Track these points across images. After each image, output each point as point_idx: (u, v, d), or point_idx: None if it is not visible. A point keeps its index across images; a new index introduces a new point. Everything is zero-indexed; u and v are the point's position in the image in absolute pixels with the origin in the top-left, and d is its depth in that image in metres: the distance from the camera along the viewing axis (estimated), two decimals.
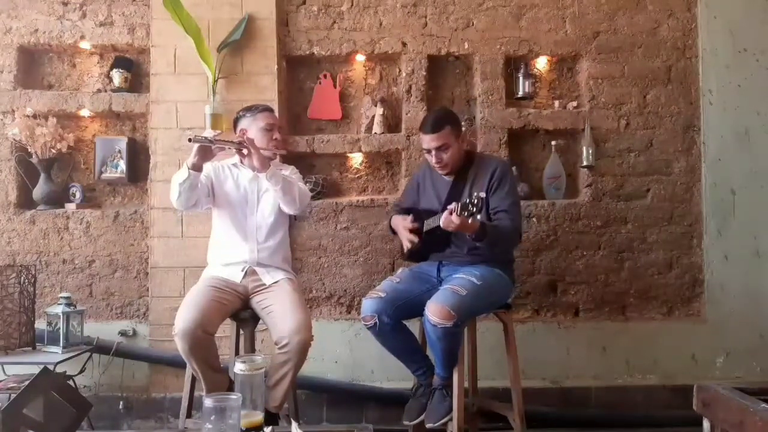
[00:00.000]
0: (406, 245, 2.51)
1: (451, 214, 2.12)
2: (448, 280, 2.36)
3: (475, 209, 2.07)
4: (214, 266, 2.51)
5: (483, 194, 2.08)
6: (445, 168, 2.48)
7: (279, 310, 2.30)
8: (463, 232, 2.21)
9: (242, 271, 2.44)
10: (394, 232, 2.66)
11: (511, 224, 2.36)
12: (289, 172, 2.58)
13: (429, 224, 2.43)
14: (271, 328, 2.32)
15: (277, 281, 2.44)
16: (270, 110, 2.56)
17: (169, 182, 2.39)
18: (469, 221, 2.11)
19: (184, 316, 2.19)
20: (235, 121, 2.55)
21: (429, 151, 2.46)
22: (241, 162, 2.50)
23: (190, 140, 2.26)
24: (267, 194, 2.50)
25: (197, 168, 2.32)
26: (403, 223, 2.52)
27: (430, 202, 2.54)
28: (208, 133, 2.39)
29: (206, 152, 2.29)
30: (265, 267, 2.46)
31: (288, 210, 2.47)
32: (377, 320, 2.32)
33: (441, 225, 2.19)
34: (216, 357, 2.30)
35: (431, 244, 2.49)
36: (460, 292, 2.22)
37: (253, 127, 2.49)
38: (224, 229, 2.52)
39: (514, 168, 3.01)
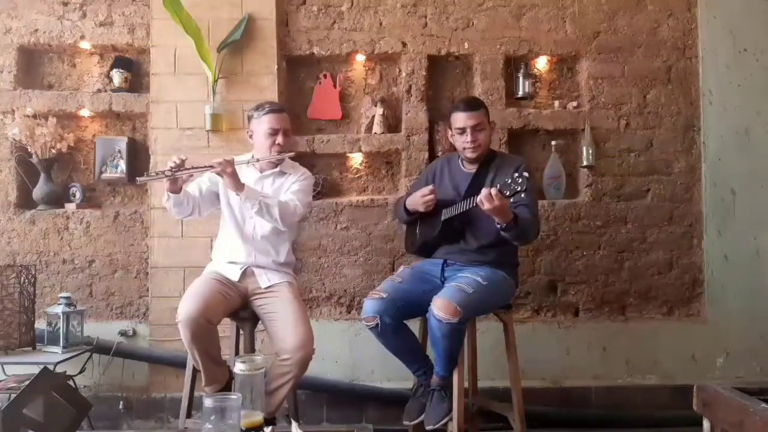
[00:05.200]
0: (426, 206, 2.43)
1: (490, 194, 2.07)
2: (452, 279, 2.36)
3: (520, 188, 2.04)
4: (216, 263, 2.51)
5: (527, 174, 2.06)
6: (477, 150, 2.43)
7: (281, 321, 2.29)
8: (497, 216, 2.16)
9: (240, 269, 2.43)
10: (407, 213, 2.56)
11: (532, 218, 2.34)
12: (296, 178, 2.50)
13: (451, 211, 2.39)
14: (272, 338, 2.31)
15: (275, 285, 2.41)
16: (277, 111, 2.46)
17: None
18: (510, 200, 2.11)
19: (188, 305, 2.20)
20: (248, 119, 2.54)
21: (463, 132, 2.42)
22: (254, 162, 2.47)
23: (137, 180, 2.37)
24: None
25: (175, 191, 2.34)
26: (420, 192, 2.45)
27: (447, 193, 2.49)
28: (174, 160, 2.29)
29: (173, 179, 2.29)
30: (263, 269, 2.45)
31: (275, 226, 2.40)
32: (379, 321, 2.31)
33: (477, 203, 2.13)
34: (218, 348, 2.31)
35: (443, 236, 2.46)
36: (467, 290, 2.22)
37: (258, 130, 2.47)
38: (226, 229, 2.52)
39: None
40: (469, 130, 2.42)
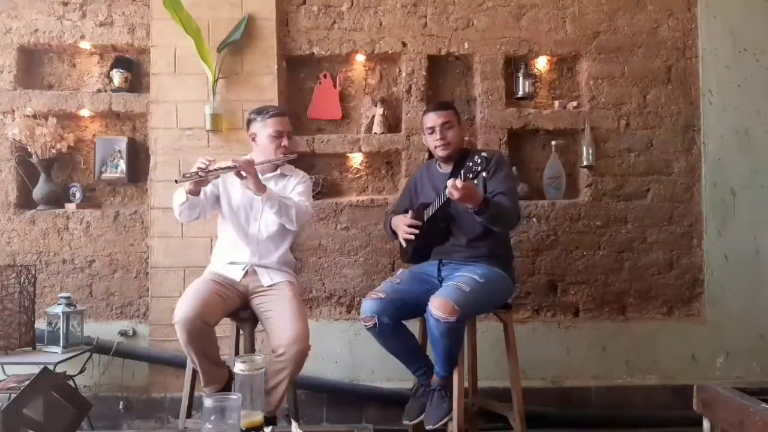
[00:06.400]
0: (406, 238, 2.47)
1: (455, 182, 2.08)
2: (449, 278, 2.36)
3: (480, 168, 2.07)
4: (217, 264, 2.51)
5: (485, 154, 2.08)
6: (447, 147, 2.49)
7: (278, 317, 2.30)
8: (469, 202, 2.17)
9: (243, 270, 2.44)
10: (394, 233, 2.64)
11: (510, 204, 2.35)
12: (298, 180, 2.54)
13: (430, 210, 2.43)
14: (269, 335, 2.32)
15: (276, 283, 2.43)
16: (280, 115, 2.50)
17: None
18: (475, 181, 2.12)
19: (184, 306, 2.20)
20: (248, 123, 2.55)
21: (432, 131, 2.49)
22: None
23: (176, 182, 2.27)
24: None
25: (195, 193, 2.33)
26: (403, 220, 2.52)
27: (429, 196, 2.53)
28: (203, 161, 2.28)
29: (201, 180, 2.28)
30: (266, 268, 2.46)
31: (287, 227, 2.44)
32: (377, 321, 2.31)
33: (446, 194, 2.16)
34: (215, 349, 2.31)
35: (431, 236, 2.47)
36: (464, 289, 2.22)
37: (262, 133, 2.48)
38: (228, 231, 2.52)
39: (514, 168, 3.02)
40: (438, 128, 2.48)
